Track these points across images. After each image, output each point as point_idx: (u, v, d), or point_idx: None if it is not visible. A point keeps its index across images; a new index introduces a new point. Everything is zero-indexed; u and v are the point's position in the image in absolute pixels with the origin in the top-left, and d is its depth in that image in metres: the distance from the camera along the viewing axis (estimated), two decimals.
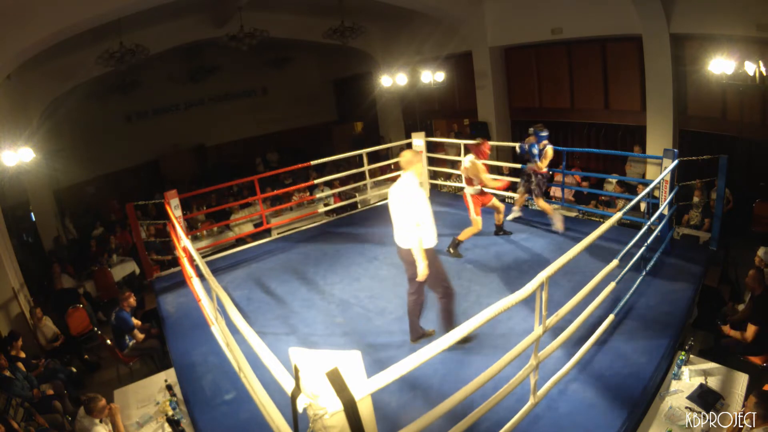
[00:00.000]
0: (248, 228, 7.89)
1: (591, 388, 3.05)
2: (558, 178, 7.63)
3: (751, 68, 5.38)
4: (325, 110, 16.10)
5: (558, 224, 5.52)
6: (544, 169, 5.46)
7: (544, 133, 5.39)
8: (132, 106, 12.42)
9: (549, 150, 5.37)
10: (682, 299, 3.93)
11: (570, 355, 3.08)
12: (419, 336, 3.77)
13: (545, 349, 2.70)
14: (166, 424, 3.32)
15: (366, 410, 1.80)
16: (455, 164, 7.36)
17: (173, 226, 5.11)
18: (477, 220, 5.21)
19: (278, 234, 7.03)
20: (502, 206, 5.56)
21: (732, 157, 4.77)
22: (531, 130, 5.46)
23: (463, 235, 5.27)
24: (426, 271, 3.37)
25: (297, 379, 1.79)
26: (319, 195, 8.46)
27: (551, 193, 7.60)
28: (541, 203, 5.58)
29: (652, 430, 2.80)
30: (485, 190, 5.26)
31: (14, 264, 6.22)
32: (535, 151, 5.39)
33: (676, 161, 4.66)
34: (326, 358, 1.72)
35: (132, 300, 5.10)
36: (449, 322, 3.59)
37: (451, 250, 5.29)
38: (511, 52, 9.59)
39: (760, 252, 4.18)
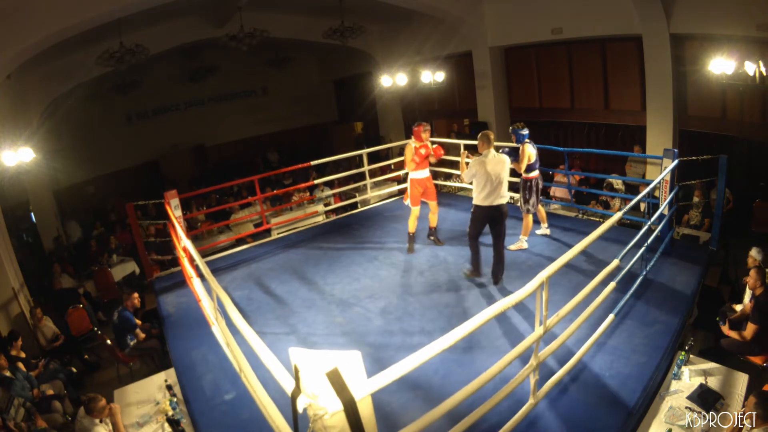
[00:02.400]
0: (248, 228, 7.90)
1: (591, 388, 3.05)
2: (558, 178, 7.66)
3: (751, 68, 5.38)
4: (325, 110, 16.10)
5: (513, 246, 5.21)
6: (532, 174, 5.11)
7: (524, 132, 5.06)
8: (132, 106, 12.42)
9: (524, 149, 4.99)
10: (682, 299, 3.93)
11: (570, 355, 3.08)
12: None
13: (545, 349, 2.70)
14: (166, 424, 3.32)
15: (366, 410, 1.80)
16: (455, 164, 7.36)
17: (173, 226, 5.11)
18: (413, 209, 5.40)
19: (278, 234, 7.03)
20: (435, 207, 5.49)
21: (732, 157, 4.77)
22: (510, 129, 5.21)
23: (410, 227, 5.48)
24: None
25: (297, 379, 1.79)
26: (319, 195, 8.47)
27: (551, 193, 7.59)
28: (527, 218, 5.25)
29: (652, 430, 2.79)
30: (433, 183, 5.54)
31: (14, 264, 6.22)
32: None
33: (676, 161, 4.66)
34: (326, 358, 1.72)
35: (136, 300, 5.11)
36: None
37: (408, 245, 5.52)
38: (511, 52, 9.59)
39: (753, 252, 4.18)
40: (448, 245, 5.52)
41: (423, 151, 5.23)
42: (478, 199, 4.38)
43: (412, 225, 5.47)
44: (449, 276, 4.80)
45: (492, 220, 4.41)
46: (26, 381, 4.34)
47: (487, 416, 2.43)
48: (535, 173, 5.17)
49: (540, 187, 5.26)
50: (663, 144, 6.65)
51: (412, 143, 5.26)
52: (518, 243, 5.27)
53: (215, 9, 9.12)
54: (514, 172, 5.55)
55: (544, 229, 5.54)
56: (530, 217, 5.27)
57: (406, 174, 7.69)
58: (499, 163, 4.33)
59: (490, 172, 4.27)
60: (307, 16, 10.50)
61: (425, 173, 5.35)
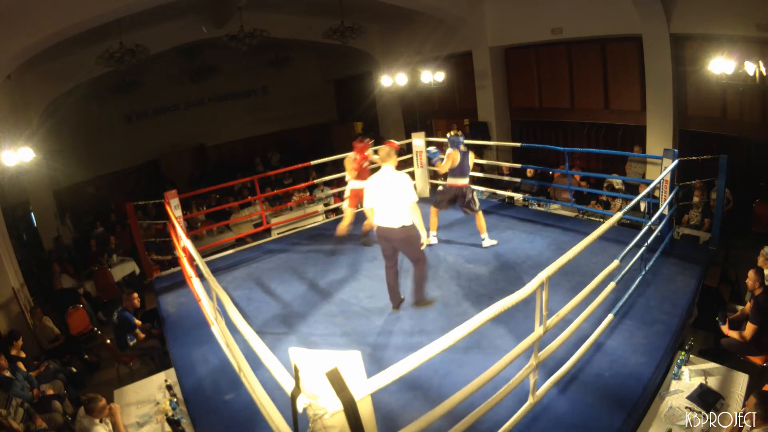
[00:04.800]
0: (248, 228, 7.90)
1: (591, 388, 3.05)
2: (558, 177, 7.65)
3: (751, 68, 5.38)
4: (325, 110, 16.11)
5: (485, 244, 5.37)
6: (458, 182, 5.18)
7: (461, 138, 5.20)
8: (132, 106, 12.42)
9: (450, 154, 5.10)
10: (682, 299, 3.93)
11: (570, 355, 3.08)
12: (424, 301, 4.27)
13: (545, 349, 2.70)
14: (166, 424, 3.32)
15: (366, 410, 1.80)
16: None
17: (173, 226, 5.11)
18: (348, 210, 5.63)
19: (278, 234, 7.03)
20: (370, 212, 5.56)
21: (732, 157, 4.76)
22: (447, 137, 5.33)
23: (339, 231, 5.62)
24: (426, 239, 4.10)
25: (297, 379, 1.79)
26: (319, 195, 8.46)
27: (551, 193, 7.58)
28: (477, 216, 5.30)
29: (652, 430, 2.79)
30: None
31: (14, 264, 6.22)
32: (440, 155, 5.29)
33: (676, 161, 4.66)
34: (326, 358, 1.72)
35: (136, 301, 5.11)
36: (423, 284, 4.22)
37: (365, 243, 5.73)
38: (511, 52, 9.59)
39: (765, 251, 4.17)
40: (448, 245, 5.51)
41: (365, 164, 5.53)
42: (376, 218, 4.04)
43: (340, 230, 5.60)
44: (449, 276, 4.80)
45: (388, 244, 4.05)
46: (26, 381, 4.34)
47: (487, 416, 2.43)
48: (454, 182, 5.20)
49: (452, 195, 5.26)
50: (663, 144, 6.65)
51: (352, 155, 5.54)
52: (487, 241, 5.37)
53: (215, 9, 9.12)
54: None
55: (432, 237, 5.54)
56: (480, 214, 5.29)
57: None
58: (389, 181, 3.90)
59: (379, 191, 3.92)
60: (307, 16, 10.50)
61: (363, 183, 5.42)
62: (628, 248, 3.58)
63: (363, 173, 5.49)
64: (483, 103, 9.94)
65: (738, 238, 5.93)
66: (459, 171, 5.19)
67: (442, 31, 9.90)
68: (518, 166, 7.10)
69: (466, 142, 7.13)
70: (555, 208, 6.77)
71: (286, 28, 10.54)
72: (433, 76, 9.43)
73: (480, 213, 5.29)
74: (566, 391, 3.04)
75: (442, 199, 5.39)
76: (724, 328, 3.89)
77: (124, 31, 7.49)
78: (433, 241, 5.52)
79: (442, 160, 5.28)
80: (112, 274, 7.35)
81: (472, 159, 5.30)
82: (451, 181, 5.26)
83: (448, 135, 5.33)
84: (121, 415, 3.46)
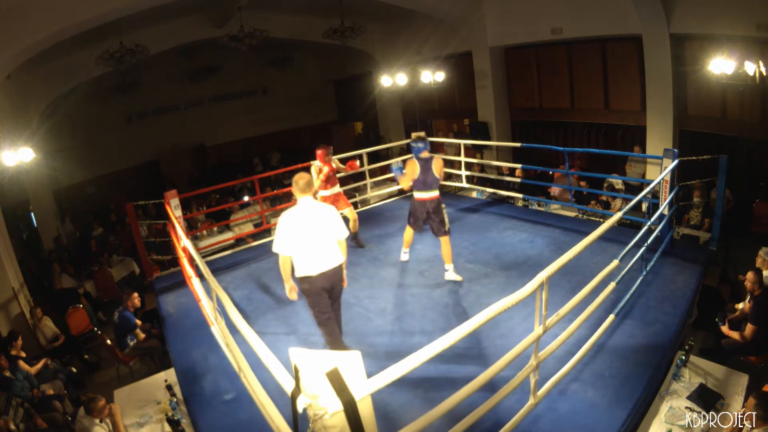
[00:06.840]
0: (248, 228, 7.90)
1: (591, 388, 3.05)
2: (558, 177, 7.66)
3: (751, 68, 5.38)
4: (325, 110, 16.11)
5: (401, 257, 5.16)
6: (418, 195, 4.50)
7: (419, 145, 4.43)
8: (132, 106, 12.43)
9: (408, 164, 4.44)
10: (682, 299, 3.93)
11: (570, 355, 3.08)
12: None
13: (545, 349, 2.70)
14: (166, 424, 3.32)
15: (366, 410, 1.80)
16: (455, 164, 7.37)
17: (173, 226, 5.11)
18: None
19: None
20: (352, 215, 5.52)
21: (732, 157, 4.76)
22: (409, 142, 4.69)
23: None
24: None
25: (297, 379, 1.79)
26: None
27: (551, 193, 7.59)
28: (445, 242, 4.60)
29: (652, 430, 2.80)
30: (340, 196, 5.52)
31: (14, 264, 6.23)
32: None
33: (676, 161, 4.66)
34: (326, 358, 1.72)
35: (137, 300, 5.12)
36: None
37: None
38: (511, 52, 9.59)
39: (762, 252, 4.17)
40: None
41: (326, 169, 5.27)
42: (302, 269, 3.20)
43: None
44: None
45: (327, 294, 3.30)
46: (26, 381, 4.34)
47: (488, 416, 2.43)
48: (421, 195, 4.49)
49: (423, 211, 4.54)
50: (663, 144, 6.65)
51: (315, 164, 5.32)
52: (451, 273, 4.68)
53: (215, 9, 9.13)
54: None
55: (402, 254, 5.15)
56: (447, 239, 4.57)
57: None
58: (317, 216, 3.19)
59: (307, 231, 3.15)
60: (307, 16, 10.51)
61: (332, 191, 5.38)
62: (627, 248, 3.57)
63: (331, 180, 5.37)
64: (483, 103, 9.94)
65: (738, 238, 5.93)
66: (421, 183, 4.44)
67: (442, 31, 9.91)
68: (518, 166, 7.10)
69: (467, 142, 7.15)
70: (555, 208, 6.78)
71: (286, 28, 10.55)
72: (433, 76, 9.44)
73: (448, 238, 4.54)
74: (567, 392, 3.04)
75: (415, 219, 4.65)
76: (724, 329, 3.89)
77: (124, 31, 7.49)
78: (404, 258, 5.13)
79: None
80: (112, 274, 7.36)
81: (439, 167, 4.45)
82: (416, 195, 4.53)
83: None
84: (121, 415, 3.47)
